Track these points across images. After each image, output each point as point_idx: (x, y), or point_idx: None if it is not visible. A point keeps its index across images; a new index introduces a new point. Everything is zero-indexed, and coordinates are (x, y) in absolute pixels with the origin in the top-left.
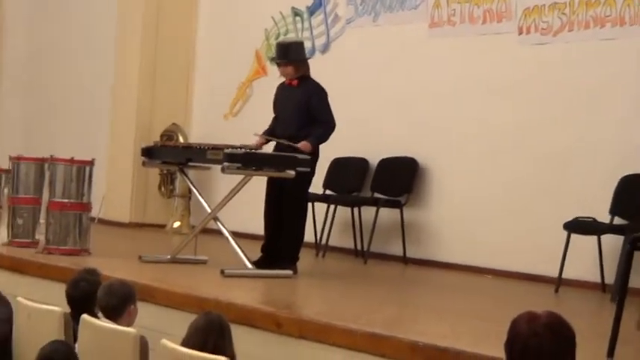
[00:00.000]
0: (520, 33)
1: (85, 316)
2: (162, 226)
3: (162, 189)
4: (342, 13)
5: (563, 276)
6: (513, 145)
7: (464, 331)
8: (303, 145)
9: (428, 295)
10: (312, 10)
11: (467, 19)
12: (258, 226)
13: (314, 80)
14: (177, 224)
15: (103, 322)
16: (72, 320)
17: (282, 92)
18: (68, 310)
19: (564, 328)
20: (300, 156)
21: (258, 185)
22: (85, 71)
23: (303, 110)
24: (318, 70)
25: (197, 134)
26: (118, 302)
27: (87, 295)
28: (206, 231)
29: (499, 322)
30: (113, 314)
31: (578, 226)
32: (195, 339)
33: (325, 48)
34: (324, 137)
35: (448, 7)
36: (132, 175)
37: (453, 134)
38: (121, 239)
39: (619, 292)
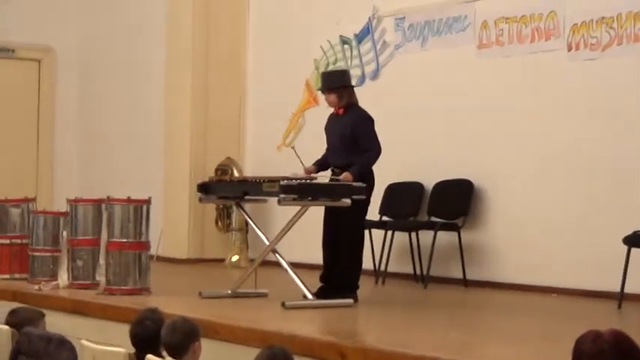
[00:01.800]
0: (569, 49)
1: (150, 356)
2: (221, 261)
3: (219, 223)
4: (390, 40)
5: (626, 291)
6: (568, 161)
7: (530, 353)
8: (344, 176)
9: (491, 317)
10: (360, 38)
11: (515, 38)
12: (316, 256)
13: (360, 108)
14: (235, 258)
15: None
16: None
17: (330, 121)
18: (132, 350)
19: (630, 345)
20: (355, 184)
21: (315, 215)
22: (137, 109)
23: (348, 139)
24: (369, 96)
25: (251, 166)
26: (182, 340)
27: (151, 334)
28: (265, 263)
29: (565, 342)
30: (178, 352)
31: (638, 239)
32: None
33: (375, 75)
34: (367, 166)
35: (496, 27)
36: (188, 211)
37: (506, 154)
38: (180, 276)
39: None
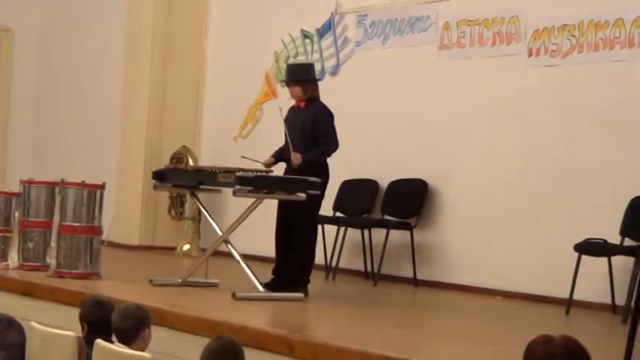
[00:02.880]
0: (530, 55)
1: (99, 341)
2: (172, 249)
3: (172, 212)
4: (351, 36)
5: (574, 297)
6: (523, 166)
7: (476, 354)
8: (294, 156)
9: (439, 317)
10: (321, 33)
11: (476, 41)
12: (268, 249)
13: (321, 102)
14: (186, 247)
15: (118, 347)
16: (85, 344)
17: (291, 114)
18: (80, 334)
19: (580, 350)
20: (310, 179)
21: (268, 207)
22: (95, 94)
23: (308, 131)
24: (328, 92)
25: (207, 156)
26: (133, 326)
27: (102, 318)
28: (217, 254)
29: (511, 345)
30: (128, 338)
31: (589, 247)
32: None
33: (335, 70)
34: (320, 157)
35: (458, 29)
36: (141, 198)
37: (462, 156)
38: (131, 262)
39: (632, 314)
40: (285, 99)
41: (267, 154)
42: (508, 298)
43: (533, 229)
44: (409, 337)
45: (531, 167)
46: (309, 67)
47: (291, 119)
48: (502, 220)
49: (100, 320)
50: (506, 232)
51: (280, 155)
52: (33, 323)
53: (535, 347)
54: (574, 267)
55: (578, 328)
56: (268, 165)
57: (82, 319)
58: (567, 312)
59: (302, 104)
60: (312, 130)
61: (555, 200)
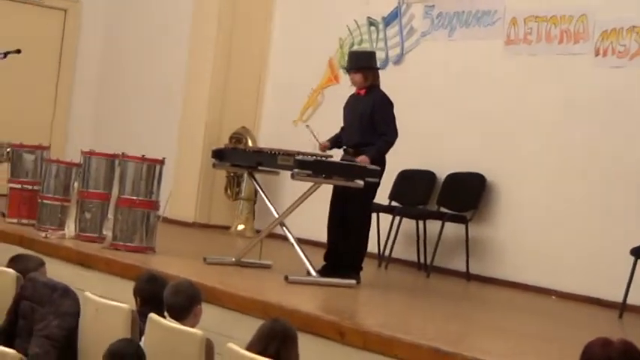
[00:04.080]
0: (596, 55)
1: (152, 315)
2: (226, 228)
3: (229, 191)
4: (417, 26)
5: (628, 302)
6: (583, 166)
7: (527, 352)
8: (361, 159)
9: (491, 312)
10: (387, 21)
11: (543, 37)
12: (322, 234)
13: (381, 91)
14: (241, 227)
15: (171, 323)
16: (138, 317)
17: (351, 101)
18: (133, 307)
19: (638, 356)
20: (370, 166)
21: (323, 193)
22: (158, 69)
23: (366, 120)
24: (391, 81)
25: (265, 138)
26: (185, 302)
27: (155, 293)
28: (271, 235)
29: (562, 344)
30: (180, 314)
31: None
32: (258, 344)
33: (399, 59)
34: (383, 150)
35: (525, 25)
36: (199, 176)
37: (522, 152)
38: (186, 239)
39: None
40: (348, 85)
41: (325, 139)
42: (562, 298)
43: (590, 230)
44: (460, 330)
45: (592, 168)
46: (371, 55)
47: (351, 106)
48: (559, 220)
49: (154, 295)
50: (562, 231)
51: (335, 142)
52: (87, 293)
53: (593, 349)
54: (630, 271)
55: (631, 332)
56: (324, 148)
57: (136, 292)
58: (620, 316)
59: (362, 92)
60: (371, 118)
61: (615, 202)
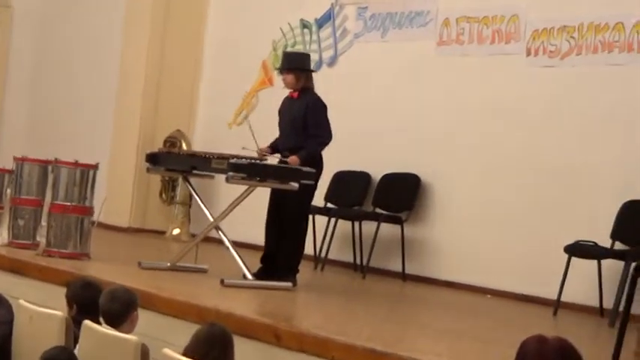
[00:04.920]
0: (528, 54)
1: (87, 322)
2: (162, 233)
3: (163, 195)
4: (350, 28)
5: (562, 299)
6: (517, 165)
7: (462, 351)
8: (291, 159)
9: (427, 313)
10: (320, 23)
11: (475, 38)
12: (258, 237)
13: (315, 94)
14: (176, 231)
15: (105, 329)
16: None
17: (284, 104)
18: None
19: (574, 353)
20: (304, 169)
21: (260, 195)
22: (91, 74)
23: (300, 122)
24: (325, 83)
25: (200, 142)
26: (121, 308)
27: (90, 300)
28: (207, 239)
29: (498, 343)
30: (116, 321)
31: (579, 249)
32: (197, 350)
33: (332, 61)
34: (315, 152)
35: (457, 25)
36: (133, 180)
37: (456, 152)
38: (120, 244)
39: (622, 319)
40: (281, 87)
41: (260, 142)
42: (497, 297)
43: (524, 229)
44: (396, 331)
45: (525, 167)
46: (304, 57)
47: (284, 109)
48: (493, 219)
49: (88, 301)
50: (497, 230)
51: (275, 146)
52: (21, 301)
53: (528, 347)
54: (564, 268)
55: (566, 329)
56: (262, 152)
57: (70, 299)
58: (555, 313)
59: (295, 95)
60: (304, 121)
61: (548, 201)
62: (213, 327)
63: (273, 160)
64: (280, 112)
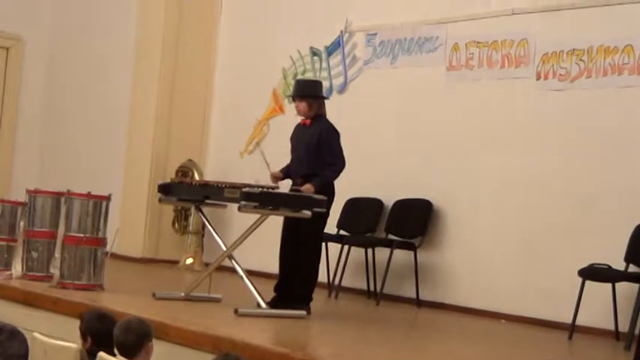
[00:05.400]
0: (538, 78)
1: (101, 354)
2: (175, 262)
3: (176, 225)
4: (360, 55)
5: (577, 323)
6: (528, 189)
7: None
8: (306, 188)
9: (442, 339)
10: (330, 51)
11: (485, 63)
12: (272, 265)
13: (327, 121)
14: (189, 261)
15: None
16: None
17: (297, 132)
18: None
19: None
20: (316, 196)
21: (273, 224)
22: (102, 105)
23: (313, 150)
24: (335, 109)
25: (212, 171)
26: (136, 340)
27: (104, 331)
28: (220, 269)
29: None
30: (131, 352)
31: (593, 272)
32: None
33: (343, 88)
34: (329, 179)
35: (466, 50)
36: (146, 211)
37: (468, 177)
38: (134, 275)
39: (637, 342)
40: (292, 115)
41: (272, 170)
42: (512, 322)
43: (538, 253)
44: (411, 358)
45: (537, 190)
46: (316, 84)
47: (297, 137)
48: (507, 243)
49: (103, 333)
50: (510, 255)
51: (287, 172)
52: (36, 334)
53: None
54: (578, 292)
55: (581, 353)
56: (275, 177)
57: (85, 331)
58: (570, 337)
59: (308, 122)
60: (318, 149)
61: (560, 224)
62: (227, 357)
63: (285, 186)
64: (292, 139)
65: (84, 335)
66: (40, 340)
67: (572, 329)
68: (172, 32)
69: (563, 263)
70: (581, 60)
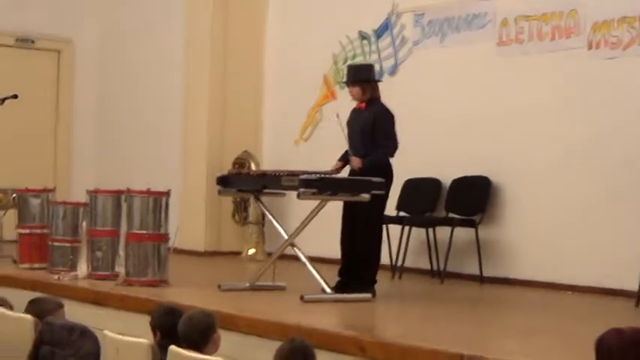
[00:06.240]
0: (590, 48)
1: (172, 348)
2: (237, 254)
3: (236, 216)
4: (409, 35)
5: None
6: (587, 159)
7: (548, 349)
8: (353, 160)
9: (508, 313)
10: (379, 33)
11: (535, 36)
12: (334, 250)
13: (382, 103)
14: (252, 251)
15: (192, 354)
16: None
17: (352, 116)
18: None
19: None
20: (374, 179)
21: (333, 209)
22: (155, 102)
23: (369, 133)
24: (387, 92)
25: (268, 160)
26: (201, 332)
27: (173, 325)
28: (282, 257)
29: (580, 339)
30: (197, 345)
31: None
32: None
33: (393, 70)
34: (380, 159)
35: (516, 24)
36: (205, 204)
37: (524, 151)
38: (198, 268)
39: None
40: (345, 101)
41: (328, 156)
42: (577, 292)
43: (599, 221)
44: (479, 334)
45: (595, 159)
46: (368, 68)
47: (352, 121)
48: (567, 214)
49: (172, 327)
50: (571, 225)
51: (346, 158)
52: (106, 332)
53: (606, 341)
54: None
55: None
56: (336, 169)
57: (154, 326)
58: (637, 304)
59: (362, 105)
60: (373, 131)
61: (621, 193)
62: (293, 342)
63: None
64: (349, 124)
65: (154, 330)
66: (111, 337)
67: (638, 296)
68: (221, 27)
69: (627, 230)
70: (632, 27)
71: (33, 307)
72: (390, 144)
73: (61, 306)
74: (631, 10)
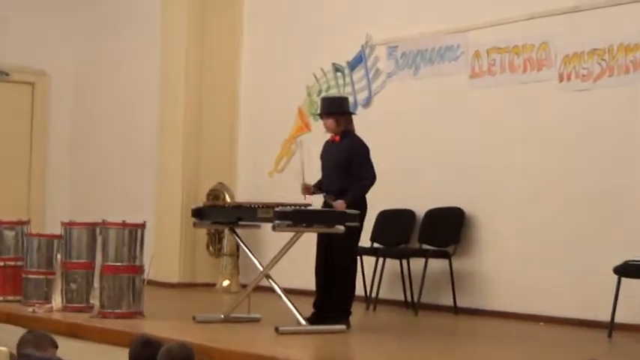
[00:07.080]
0: (561, 80)
1: None
2: (212, 285)
3: (211, 248)
4: (382, 68)
5: (616, 320)
6: (558, 191)
7: None
8: (338, 204)
9: (482, 345)
10: (352, 66)
11: (507, 68)
12: (308, 282)
13: (356, 136)
14: (226, 283)
15: None
16: None
17: (326, 148)
18: None
19: None
20: (349, 211)
21: (307, 241)
22: (130, 134)
23: (343, 166)
24: (361, 124)
25: (243, 192)
26: None
27: (151, 357)
28: (257, 288)
29: None
30: None
31: (628, 269)
32: None
33: (367, 102)
34: (361, 194)
35: (488, 57)
36: (180, 236)
37: (497, 183)
38: (172, 300)
39: None
40: (319, 132)
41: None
42: (550, 323)
43: (571, 254)
44: None
45: (567, 192)
46: (342, 100)
47: (326, 153)
48: (540, 246)
49: (151, 359)
50: (544, 257)
51: (320, 187)
52: None
53: None
54: (614, 290)
55: (622, 350)
56: (306, 188)
57: (133, 358)
58: (610, 335)
59: (337, 138)
60: (348, 164)
61: (592, 224)
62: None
63: (317, 201)
64: (322, 156)
65: None
66: None
67: (611, 327)
68: (196, 58)
69: (598, 262)
70: (602, 59)
71: (32, 336)
72: (368, 176)
73: (55, 346)
74: (601, 42)
